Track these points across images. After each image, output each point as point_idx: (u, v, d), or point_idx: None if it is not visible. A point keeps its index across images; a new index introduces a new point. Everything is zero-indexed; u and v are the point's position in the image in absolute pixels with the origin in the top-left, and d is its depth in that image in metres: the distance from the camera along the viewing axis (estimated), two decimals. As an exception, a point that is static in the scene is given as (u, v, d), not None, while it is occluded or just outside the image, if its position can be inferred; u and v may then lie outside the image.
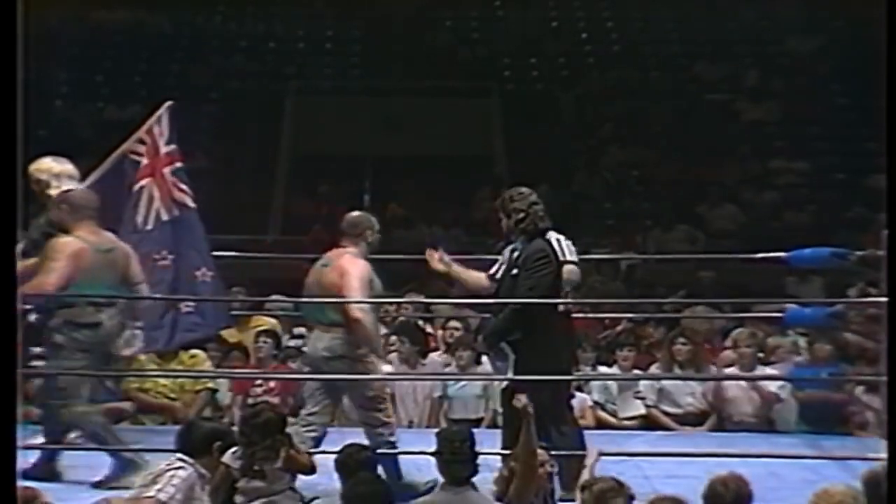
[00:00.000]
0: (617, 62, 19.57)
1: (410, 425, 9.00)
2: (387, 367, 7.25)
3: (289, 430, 6.44)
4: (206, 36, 20.20)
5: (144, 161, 7.95)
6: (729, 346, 9.78)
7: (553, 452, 5.95)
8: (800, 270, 11.71)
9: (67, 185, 7.50)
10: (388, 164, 17.71)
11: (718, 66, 18.97)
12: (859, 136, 16.84)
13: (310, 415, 7.01)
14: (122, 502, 5.45)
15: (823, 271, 11.93)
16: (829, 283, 12.34)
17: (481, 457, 5.77)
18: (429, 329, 10.12)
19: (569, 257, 6.99)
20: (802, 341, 9.83)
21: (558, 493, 6.03)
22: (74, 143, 12.09)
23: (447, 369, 9.35)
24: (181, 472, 5.43)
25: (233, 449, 5.81)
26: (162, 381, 9.13)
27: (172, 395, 9.15)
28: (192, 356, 9.08)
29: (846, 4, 18.17)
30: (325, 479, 6.33)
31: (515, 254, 7.05)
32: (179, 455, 5.53)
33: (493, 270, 7.17)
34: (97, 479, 7.01)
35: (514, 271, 7.00)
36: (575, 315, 7.61)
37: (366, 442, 6.75)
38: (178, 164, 8.00)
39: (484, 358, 8.75)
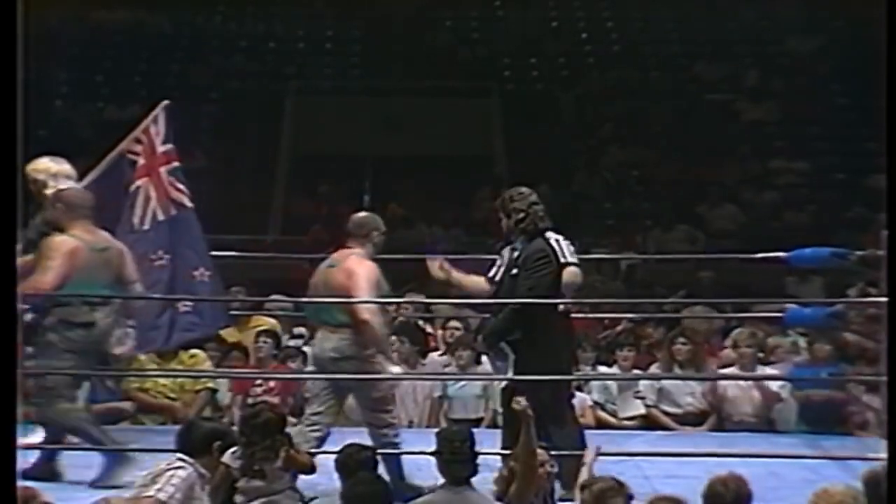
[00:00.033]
0: (617, 62, 19.56)
1: (410, 425, 9.00)
2: (396, 369, 7.26)
3: (293, 429, 6.46)
4: (206, 36, 20.20)
5: (141, 161, 7.93)
6: (729, 345, 9.78)
7: (553, 452, 5.95)
8: (800, 270, 11.71)
9: (64, 185, 7.49)
10: (388, 164, 17.70)
11: (718, 66, 18.96)
12: (859, 136, 16.84)
13: (315, 414, 7.00)
14: (122, 502, 5.44)
15: (823, 271, 11.94)
16: (829, 283, 12.35)
17: (481, 457, 5.76)
18: (429, 329, 10.12)
19: (569, 259, 6.99)
20: (802, 341, 9.83)
21: (558, 492, 6.03)
22: (74, 143, 12.11)
23: (447, 369, 9.35)
24: (181, 472, 5.43)
25: (233, 449, 5.81)
26: (162, 380, 9.13)
27: (172, 395, 9.15)
28: (192, 356, 9.08)
29: (846, 4, 18.17)
30: (325, 479, 6.34)
31: (515, 254, 7.05)
32: (179, 455, 5.53)
33: (492, 273, 7.16)
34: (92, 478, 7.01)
35: (514, 271, 7.00)
36: (575, 315, 7.62)
37: (367, 442, 6.74)
38: (175, 164, 7.95)
39: (484, 358, 8.75)
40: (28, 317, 6.98)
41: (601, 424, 9.18)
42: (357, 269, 6.94)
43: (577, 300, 7.66)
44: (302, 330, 10.08)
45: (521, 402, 5.71)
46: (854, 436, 8.81)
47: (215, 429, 5.82)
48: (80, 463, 7.18)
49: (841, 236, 11.82)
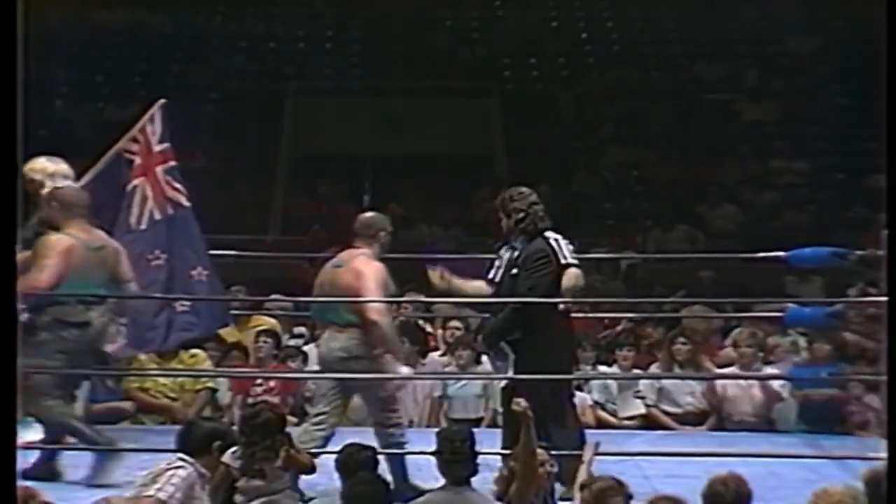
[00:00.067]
0: (617, 62, 19.56)
1: (410, 425, 8.98)
2: (405, 369, 7.25)
3: (298, 428, 6.45)
4: (206, 36, 20.20)
5: (138, 160, 7.90)
6: (729, 345, 9.78)
7: (553, 452, 5.95)
8: (800, 270, 11.71)
9: (61, 185, 7.48)
10: (388, 164, 17.71)
11: (718, 66, 18.96)
12: (859, 136, 16.84)
13: (320, 413, 6.99)
14: (122, 502, 5.44)
15: (823, 271, 11.94)
16: (829, 283, 12.35)
17: (481, 457, 5.76)
18: (429, 329, 10.12)
19: (570, 259, 6.99)
20: (802, 341, 9.83)
21: (558, 492, 6.03)
22: (74, 143, 12.11)
23: (447, 369, 9.35)
24: (181, 472, 5.43)
25: (233, 448, 5.81)
26: (162, 380, 9.13)
27: (172, 395, 9.14)
28: (193, 356, 9.08)
29: (846, 4, 18.16)
30: (325, 478, 6.34)
31: (515, 253, 7.05)
32: (179, 454, 5.53)
33: (491, 275, 7.16)
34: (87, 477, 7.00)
35: (514, 271, 7.00)
36: (575, 315, 7.62)
37: (369, 441, 6.73)
38: (172, 163, 7.91)
39: (484, 357, 8.76)
40: (24, 317, 6.96)
41: (601, 424, 9.18)
42: (365, 269, 6.94)
43: (577, 300, 7.66)
44: (302, 330, 10.09)
45: (520, 403, 5.71)
46: (854, 435, 8.81)
47: (215, 428, 5.82)
48: (79, 463, 7.17)
49: (841, 236, 11.83)
